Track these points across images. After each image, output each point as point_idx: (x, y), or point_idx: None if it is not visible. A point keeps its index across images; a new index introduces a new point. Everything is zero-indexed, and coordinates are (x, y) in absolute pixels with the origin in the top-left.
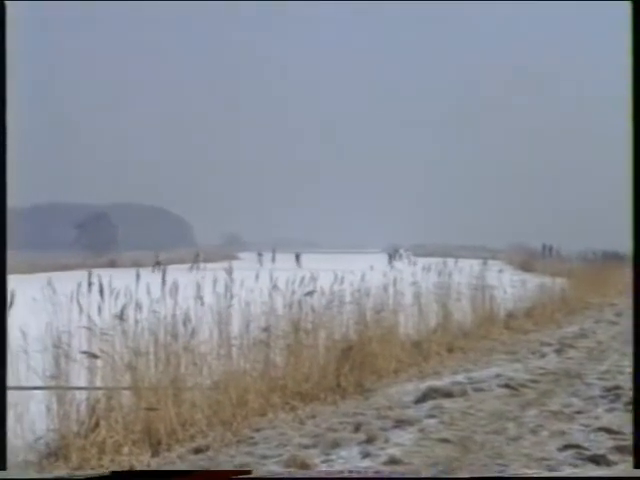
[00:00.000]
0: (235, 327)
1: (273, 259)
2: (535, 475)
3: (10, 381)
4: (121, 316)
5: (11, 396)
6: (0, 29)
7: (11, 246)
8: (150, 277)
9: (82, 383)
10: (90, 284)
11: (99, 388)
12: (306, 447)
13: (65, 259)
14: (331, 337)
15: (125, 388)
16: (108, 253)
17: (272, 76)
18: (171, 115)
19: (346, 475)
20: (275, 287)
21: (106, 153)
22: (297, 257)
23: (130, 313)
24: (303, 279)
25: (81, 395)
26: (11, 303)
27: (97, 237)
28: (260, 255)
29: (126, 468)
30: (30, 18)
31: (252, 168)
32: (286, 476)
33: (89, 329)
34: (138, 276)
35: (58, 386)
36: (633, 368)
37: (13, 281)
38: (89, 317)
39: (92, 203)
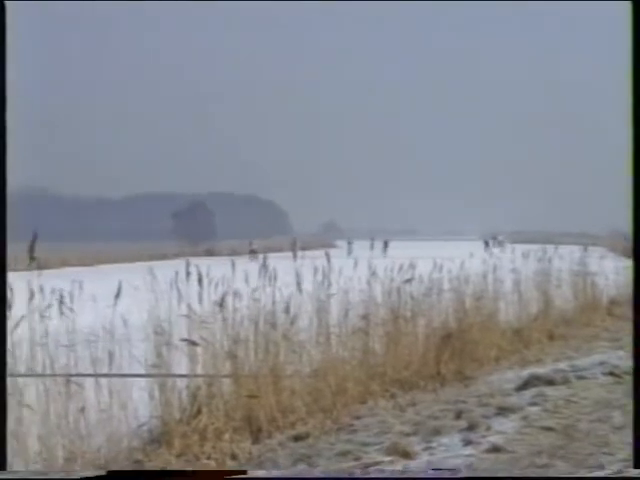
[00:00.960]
0: (334, 315)
1: (371, 247)
2: (535, 475)
3: (114, 368)
4: (221, 304)
5: (114, 383)
6: (0, 29)
7: (111, 236)
8: (248, 265)
9: (183, 371)
10: (188, 273)
11: (200, 375)
12: (407, 435)
13: (163, 248)
14: (430, 325)
15: (225, 376)
16: (205, 242)
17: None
18: (267, 108)
19: (343, 476)
20: (374, 275)
21: (202, 143)
22: (385, 245)
23: (229, 301)
24: (402, 267)
25: (182, 382)
26: (117, 294)
27: (194, 226)
28: (350, 243)
29: (228, 455)
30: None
31: (348, 157)
32: (282, 476)
33: (189, 317)
34: (235, 264)
35: (160, 374)
36: (633, 368)
37: (115, 270)
38: (189, 305)
39: (189, 192)
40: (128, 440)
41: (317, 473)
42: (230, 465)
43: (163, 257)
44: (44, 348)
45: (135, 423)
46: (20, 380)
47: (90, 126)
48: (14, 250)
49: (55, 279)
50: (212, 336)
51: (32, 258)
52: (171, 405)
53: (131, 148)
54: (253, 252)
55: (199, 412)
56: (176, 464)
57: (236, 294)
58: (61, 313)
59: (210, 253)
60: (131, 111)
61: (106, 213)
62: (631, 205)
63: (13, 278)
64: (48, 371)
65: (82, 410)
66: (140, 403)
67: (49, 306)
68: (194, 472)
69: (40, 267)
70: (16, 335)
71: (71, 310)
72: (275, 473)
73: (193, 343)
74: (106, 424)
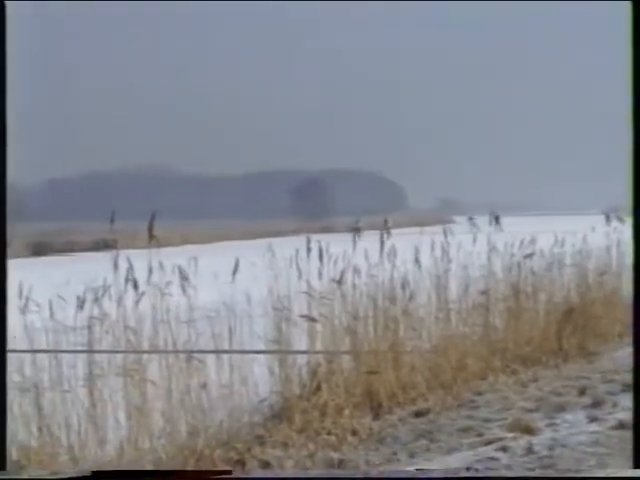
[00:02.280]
0: (453, 291)
1: (490, 222)
2: (536, 475)
3: (234, 344)
4: (340, 280)
5: (235, 359)
6: (0, 29)
7: (231, 214)
8: (366, 242)
9: (302, 347)
10: (309, 249)
11: (320, 352)
12: (529, 411)
13: (281, 225)
14: (552, 300)
15: (345, 352)
16: (322, 219)
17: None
18: (382, 82)
19: (323, 475)
20: (493, 250)
21: (320, 120)
22: (496, 219)
23: (348, 277)
24: (523, 242)
25: (302, 359)
26: (235, 270)
27: (311, 203)
28: (471, 219)
29: (348, 430)
30: None
31: (461, 134)
32: (266, 476)
33: (308, 294)
34: (355, 241)
35: (280, 350)
36: (633, 367)
37: (234, 247)
38: (308, 282)
39: (307, 169)
40: (249, 415)
41: (301, 474)
42: (350, 441)
43: (281, 234)
44: (165, 324)
45: (255, 399)
46: (144, 356)
47: (207, 104)
48: (136, 228)
49: (175, 256)
50: (331, 312)
51: (152, 236)
52: (291, 381)
53: (249, 125)
54: (357, 230)
55: (319, 388)
56: (297, 439)
57: (355, 270)
58: (182, 290)
59: (327, 230)
60: (245, 88)
61: (226, 190)
62: (631, 204)
63: (134, 256)
64: (170, 347)
65: (204, 385)
66: (260, 379)
67: (169, 283)
68: (179, 472)
69: (160, 245)
70: (138, 312)
71: (191, 287)
72: (259, 473)
73: (312, 319)
74: (227, 399)
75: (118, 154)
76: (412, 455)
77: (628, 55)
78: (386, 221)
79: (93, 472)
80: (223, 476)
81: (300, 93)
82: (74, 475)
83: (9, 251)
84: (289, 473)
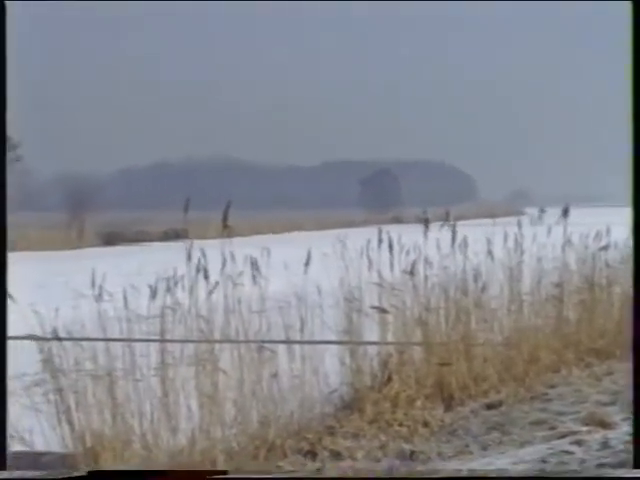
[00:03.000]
0: (526, 283)
1: (562, 214)
2: (534, 475)
3: (305, 335)
4: (411, 271)
5: (306, 350)
6: (0, 29)
7: (301, 204)
8: (436, 232)
9: (374, 338)
10: (380, 240)
11: (391, 343)
12: (604, 404)
13: (350, 216)
14: (626, 293)
15: (416, 343)
16: (392, 209)
17: None
18: (451, 71)
19: (316, 476)
20: (568, 242)
21: (390, 111)
22: (565, 212)
23: (420, 268)
24: (598, 233)
25: (373, 350)
26: (307, 261)
27: (381, 193)
28: (542, 211)
29: (420, 422)
30: None
31: (533, 123)
32: (262, 476)
33: (379, 284)
34: (426, 231)
35: (351, 341)
36: (633, 367)
37: (304, 238)
38: (379, 273)
39: (376, 160)
40: (320, 406)
41: (293, 474)
42: (422, 432)
43: (350, 224)
44: (237, 314)
45: (326, 389)
46: (216, 346)
47: (277, 95)
48: (206, 218)
49: (246, 247)
50: (402, 303)
51: (225, 226)
52: (362, 372)
53: (321, 116)
54: (426, 221)
55: (390, 379)
56: (368, 430)
57: (427, 261)
58: (253, 280)
59: (397, 220)
60: (323, 80)
61: (296, 181)
62: (632, 204)
63: (206, 246)
64: (241, 337)
65: (275, 375)
66: (331, 369)
67: (241, 273)
68: (175, 472)
69: (231, 235)
70: (210, 302)
71: (262, 277)
72: (256, 472)
73: (383, 310)
74: (298, 390)
75: (189, 144)
76: (484, 447)
77: (628, 55)
78: (448, 213)
79: (89, 472)
80: (219, 476)
81: (368, 84)
82: (69, 475)
83: (81, 240)
84: (288, 474)
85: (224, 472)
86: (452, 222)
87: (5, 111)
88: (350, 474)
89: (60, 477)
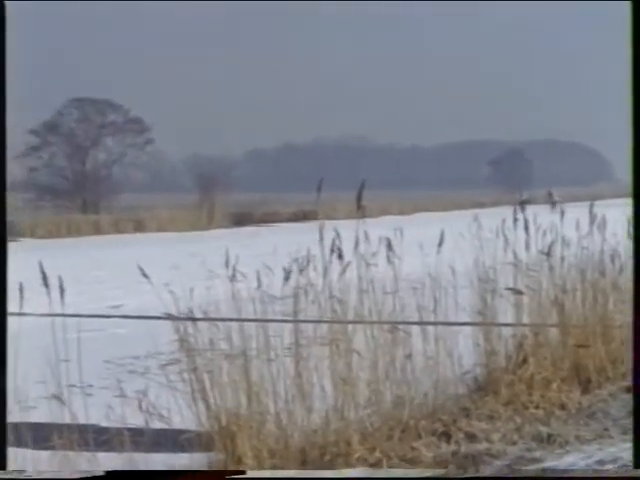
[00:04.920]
0: None
1: None
2: (535, 475)
3: (439, 316)
4: (547, 252)
5: (439, 331)
6: (0, 29)
7: (427, 185)
8: (573, 213)
9: (508, 319)
10: (515, 220)
11: (526, 325)
12: None
13: (479, 197)
14: None
15: (552, 325)
16: (522, 190)
17: None
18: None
19: (344, 476)
20: None
21: (517, 89)
22: None
23: (556, 249)
24: None
25: (507, 331)
26: (440, 241)
27: (511, 174)
28: None
29: (557, 405)
30: None
31: None
32: (281, 476)
33: (515, 265)
34: (561, 212)
35: (485, 322)
36: (633, 366)
37: (434, 218)
38: (515, 253)
39: (506, 140)
40: (454, 387)
41: (317, 474)
42: (558, 415)
43: (480, 205)
44: (370, 295)
45: (460, 370)
46: (349, 326)
47: (400, 75)
48: (335, 199)
49: (376, 227)
50: (538, 285)
51: (359, 206)
52: (496, 353)
53: (443, 95)
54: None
55: (525, 361)
56: (503, 413)
57: (564, 242)
58: (388, 260)
59: (530, 201)
60: (436, 57)
61: (421, 161)
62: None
63: (337, 226)
64: (375, 317)
65: (409, 357)
66: (465, 351)
67: (374, 254)
68: (193, 472)
69: (361, 216)
70: (343, 282)
71: (396, 257)
72: (275, 473)
73: (518, 292)
74: (432, 371)
75: (314, 126)
76: (625, 432)
77: (628, 55)
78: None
79: (107, 472)
80: (238, 476)
81: (494, 60)
82: (86, 476)
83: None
84: (307, 474)
85: (242, 472)
86: (588, 202)
87: (5, 111)
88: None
89: (77, 478)
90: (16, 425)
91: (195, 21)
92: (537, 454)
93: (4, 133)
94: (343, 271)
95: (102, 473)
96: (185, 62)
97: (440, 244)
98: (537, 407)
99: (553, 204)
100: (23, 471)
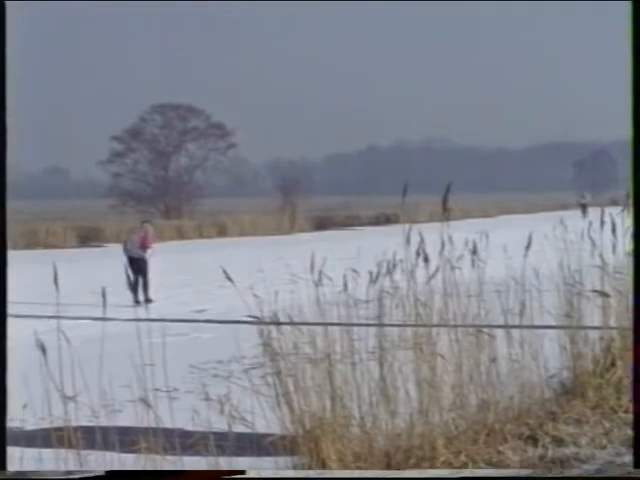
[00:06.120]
0: None
1: None
2: (536, 475)
3: (524, 319)
4: None
5: (525, 334)
6: (0, 29)
7: (512, 187)
8: None
9: (595, 322)
10: (602, 222)
11: (612, 328)
12: None
13: (564, 198)
14: None
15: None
16: (608, 191)
17: None
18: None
19: (339, 475)
20: None
21: (600, 89)
22: None
23: None
24: None
25: (594, 334)
26: (528, 244)
27: (596, 175)
28: None
29: None
30: None
31: None
32: (280, 476)
33: (602, 268)
34: None
35: (571, 325)
36: (633, 366)
37: (518, 220)
38: (601, 256)
39: (591, 141)
40: (540, 391)
41: (315, 474)
42: None
43: (564, 207)
44: (455, 298)
45: (545, 374)
46: (434, 330)
47: (490, 79)
48: (417, 202)
49: (459, 230)
50: (625, 287)
51: (445, 209)
52: (583, 357)
53: (526, 98)
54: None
55: (613, 364)
56: (591, 416)
57: None
58: (472, 264)
59: (615, 203)
60: (531, 60)
61: (506, 163)
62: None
63: (420, 229)
64: (459, 321)
65: (493, 360)
66: (550, 354)
67: (460, 257)
68: (192, 472)
69: (445, 218)
70: (427, 286)
71: (481, 261)
72: (274, 474)
73: (605, 294)
74: (517, 374)
75: (397, 128)
76: None
77: (628, 55)
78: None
79: (107, 472)
80: (236, 476)
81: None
82: (88, 475)
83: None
84: (302, 474)
85: (242, 472)
86: None
87: (5, 111)
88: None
89: (78, 477)
90: (103, 428)
91: (275, 24)
92: (626, 459)
93: (4, 133)
94: (433, 275)
95: (102, 473)
96: (265, 66)
97: (528, 247)
98: (626, 411)
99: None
100: (23, 471)
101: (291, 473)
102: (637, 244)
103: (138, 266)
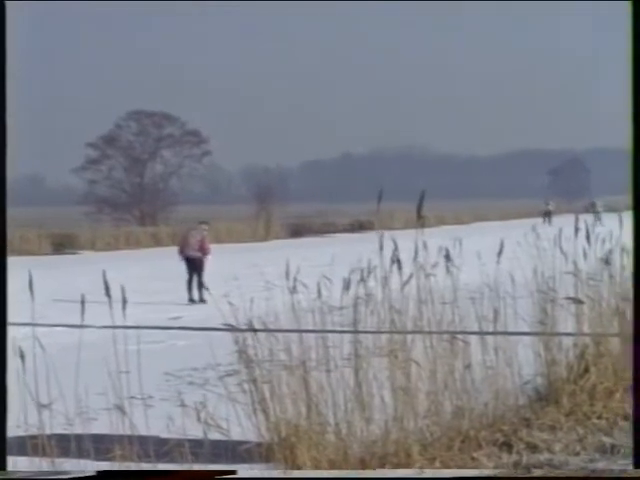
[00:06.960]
0: None
1: None
2: (536, 475)
3: (498, 326)
4: (607, 260)
5: (499, 341)
6: (0, 29)
7: (483, 194)
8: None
9: (568, 329)
10: (577, 229)
11: (586, 334)
12: None
13: (537, 206)
14: None
15: (613, 334)
16: (581, 199)
17: None
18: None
19: (335, 475)
20: None
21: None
22: None
23: (616, 258)
24: None
25: (568, 341)
26: (500, 251)
27: (570, 183)
28: None
29: (620, 415)
30: None
31: None
32: (271, 476)
33: (574, 275)
34: (620, 220)
35: (545, 332)
36: (633, 366)
37: (491, 228)
38: (574, 262)
39: (566, 149)
40: (514, 397)
41: (310, 474)
42: (622, 425)
43: (538, 215)
44: (429, 305)
45: (520, 381)
46: (408, 337)
47: (462, 85)
48: (391, 209)
49: (434, 237)
50: (598, 294)
51: (420, 216)
52: (557, 363)
53: (502, 106)
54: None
55: (587, 371)
56: (565, 423)
57: (624, 250)
58: (447, 270)
59: (588, 210)
60: (501, 71)
61: (477, 171)
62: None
63: (394, 237)
64: (434, 328)
65: (468, 367)
66: (524, 361)
67: (435, 264)
68: (183, 472)
69: (420, 226)
70: (402, 292)
71: (454, 267)
72: (265, 474)
73: (578, 301)
74: (492, 381)
75: (370, 137)
76: None
77: (628, 55)
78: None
79: (98, 472)
80: (228, 476)
81: (551, 72)
82: (78, 475)
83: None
84: (299, 474)
85: (233, 472)
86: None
87: (5, 111)
88: None
89: (68, 477)
90: (78, 436)
91: (249, 30)
92: (600, 465)
93: (4, 133)
94: (406, 282)
95: (93, 473)
96: (244, 73)
97: (500, 253)
98: (600, 417)
99: (596, 214)
100: (14, 471)
101: (281, 473)
102: (637, 244)
103: (195, 266)
